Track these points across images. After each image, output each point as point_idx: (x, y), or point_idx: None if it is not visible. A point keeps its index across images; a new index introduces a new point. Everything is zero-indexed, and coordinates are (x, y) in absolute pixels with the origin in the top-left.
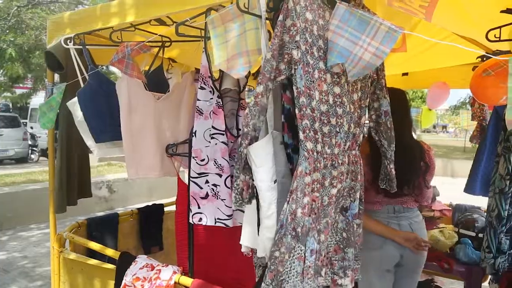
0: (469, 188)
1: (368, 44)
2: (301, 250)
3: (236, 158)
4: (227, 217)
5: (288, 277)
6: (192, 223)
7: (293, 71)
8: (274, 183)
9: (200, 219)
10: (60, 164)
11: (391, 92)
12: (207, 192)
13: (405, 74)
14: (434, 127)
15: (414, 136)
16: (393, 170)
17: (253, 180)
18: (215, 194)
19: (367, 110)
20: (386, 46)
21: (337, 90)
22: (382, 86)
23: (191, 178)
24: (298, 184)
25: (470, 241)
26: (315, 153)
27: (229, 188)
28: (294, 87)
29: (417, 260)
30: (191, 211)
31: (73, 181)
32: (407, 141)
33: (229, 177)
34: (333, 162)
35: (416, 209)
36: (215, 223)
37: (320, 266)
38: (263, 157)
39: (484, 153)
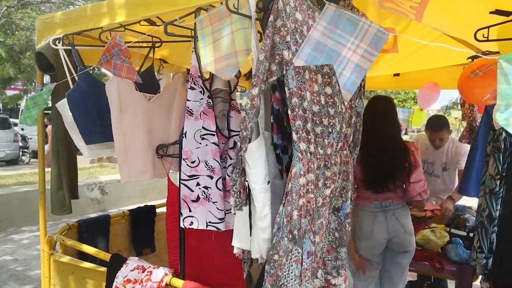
0: (464, 190)
1: (357, 46)
2: (298, 253)
3: (234, 162)
4: (219, 221)
5: (287, 281)
6: (183, 227)
7: (284, 72)
8: (268, 184)
9: (191, 223)
10: (57, 165)
11: (384, 99)
12: (198, 195)
13: (397, 74)
14: None
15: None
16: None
17: (247, 181)
18: (206, 197)
19: None
20: (374, 48)
21: (328, 90)
22: (361, 85)
23: (182, 181)
24: (293, 186)
25: (461, 241)
26: (308, 154)
27: (220, 190)
28: (286, 88)
29: (402, 244)
30: (182, 215)
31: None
32: (396, 143)
33: (220, 179)
34: (326, 163)
35: (402, 203)
36: (207, 227)
37: (315, 267)
38: (256, 159)
39: (476, 154)
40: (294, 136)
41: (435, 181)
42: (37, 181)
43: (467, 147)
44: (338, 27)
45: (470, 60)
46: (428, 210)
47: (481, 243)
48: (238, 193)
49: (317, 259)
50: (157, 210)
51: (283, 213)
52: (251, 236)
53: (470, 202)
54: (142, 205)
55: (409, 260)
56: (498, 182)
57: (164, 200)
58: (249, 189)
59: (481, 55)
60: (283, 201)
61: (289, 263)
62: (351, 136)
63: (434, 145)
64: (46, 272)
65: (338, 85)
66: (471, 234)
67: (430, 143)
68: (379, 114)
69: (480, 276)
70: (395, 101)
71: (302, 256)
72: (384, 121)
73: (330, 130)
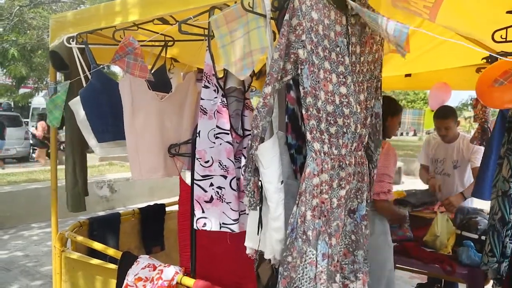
0: (478, 193)
1: (383, 30)
2: (313, 255)
3: (246, 161)
4: (233, 222)
5: (301, 283)
6: (196, 228)
7: (299, 71)
8: (281, 184)
9: (205, 224)
10: (73, 162)
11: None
12: (211, 196)
13: (408, 75)
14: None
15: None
16: (375, 177)
17: (260, 181)
18: (220, 198)
19: None
20: (399, 38)
21: (343, 90)
22: (377, 87)
23: (195, 181)
24: (307, 186)
25: (472, 244)
26: (322, 154)
27: (234, 190)
28: (300, 87)
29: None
30: (195, 216)
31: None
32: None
33: (235, 179)
34: (341, 163)
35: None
36: (220, 228)
37: (333, 271)
38: (270, 158)
39: (491, 156)
40: (308, 136)
41: (446, 181)
42: (46, 178)
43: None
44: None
45: (484, 60)
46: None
47: (492, 247)
48: (252, 192)
49: (335, 262)
50: (167, 209)
51: (297, 214)
52: (264, 237)
53: (482, 204)
54: (151, 203)
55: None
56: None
57: (173, 199)
58: (261, 189)
59: (496, 55)
60: (297, 202)
61: (304, 265)
62: (366, 136)
63: (440, 135)
64: (58, 268)
65: (354, 84)
66: (482, 237)
67: (437, 133)
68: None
69: (492, 281)
70: (404, 102)
71: (316, 258)
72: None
73: (344, 130)
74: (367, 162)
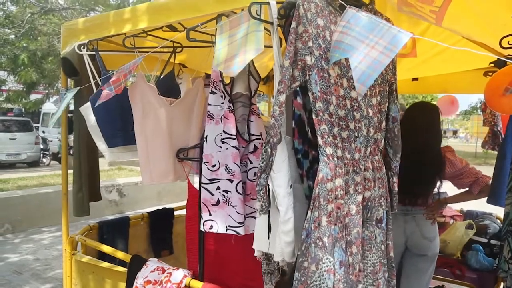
0: (493, 199)
1: (376, 43)
2: (330, 262)
3: (262, 167)
4: (238, 225)
5: None
6: (203, 230)
7: (307, 77)
8: (290, 188)
9: (211, 227)
10: (79, 167)
11: (423, 108)
12: (218, 199)
13: (415, 79)
14: (445, 132)
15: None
16: (395, 185)
17: (268, 185)
18: (226, 201)
19: None
20: (395, 46)
21: (354, 94)
22: (392, 89)
23: (202, 184)
24: (320, 191)
25: (481, 248)
26: (335, 159)
27: (240, 194)
28: (309, 93)
29: (417, 248)
30: (202, 218)
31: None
32: (431, 156)
33: (240, 183)
34: (355, 168)
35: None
36: (226, 231)
37: (354, 281)
38: (280, 162)
39: (505, 161)
40: (320, 141)
41: None
42: (57, 183)
43: None
44: (358, 25)
45: (492, 65)
46: (447, 216)
47: None
48: (264, 197)
49: (356, 271)
50: (175, 213)
51: (311, 219)
52: (273, 240)
53: (490, 208)
54: (159, 207)
55: (429, 266)
56: None
57: (181, 203)
58: (270, 193)
59: (503, 59)
60: (311, 207)
61: (320, 272)
62: (382, 141)
63: None
64: (68, 271)
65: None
66: (492, 241)
67: None
68: (419, 125)
69: (502, 284)
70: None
71: (334, 266)
72: (423, 132)
73: (356, 134)
74: (384, 167)
